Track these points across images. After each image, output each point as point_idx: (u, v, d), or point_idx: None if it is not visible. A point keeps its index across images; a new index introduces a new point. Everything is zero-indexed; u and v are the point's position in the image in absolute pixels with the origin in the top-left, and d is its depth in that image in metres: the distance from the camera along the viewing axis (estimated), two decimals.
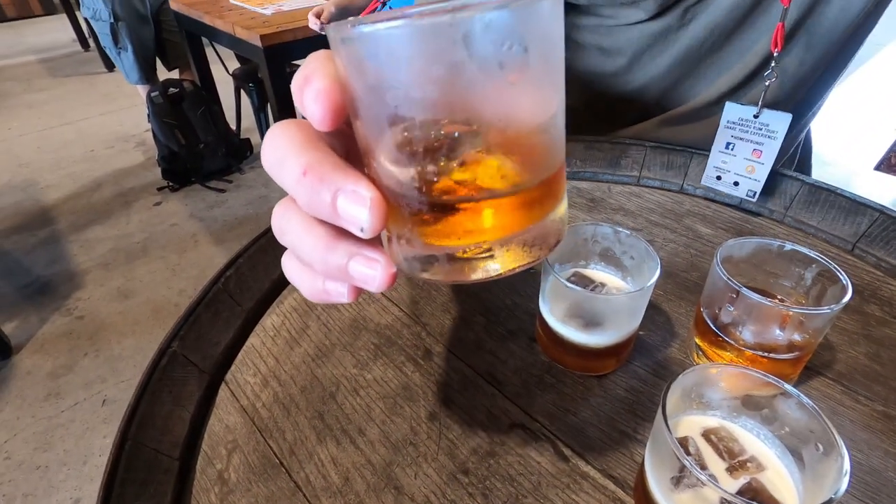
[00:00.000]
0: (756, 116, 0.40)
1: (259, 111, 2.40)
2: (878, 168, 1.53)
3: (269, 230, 0.39)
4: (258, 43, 1.66)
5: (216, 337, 0.33)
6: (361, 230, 0.16)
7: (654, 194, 0.49)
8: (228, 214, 2.17)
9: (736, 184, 0.43)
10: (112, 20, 2.17)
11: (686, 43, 0.42)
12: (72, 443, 1.29)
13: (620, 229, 0.32)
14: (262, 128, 2.47)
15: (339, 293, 0.19)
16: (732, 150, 0.42)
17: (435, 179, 0.16)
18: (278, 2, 2.04)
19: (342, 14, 1.70)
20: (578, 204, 0.48)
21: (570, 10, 0.44)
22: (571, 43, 0.48)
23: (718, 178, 0.44)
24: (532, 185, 0.17)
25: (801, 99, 0.45)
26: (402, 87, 0.15)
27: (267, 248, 0.38)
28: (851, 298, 0.27)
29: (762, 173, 0.42)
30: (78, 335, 1.60)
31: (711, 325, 0.30)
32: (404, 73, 0.15)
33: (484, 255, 0.17)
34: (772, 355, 0.28)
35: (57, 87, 3.62)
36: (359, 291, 0.19)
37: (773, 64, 0.38)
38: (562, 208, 0.18)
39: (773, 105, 0.40)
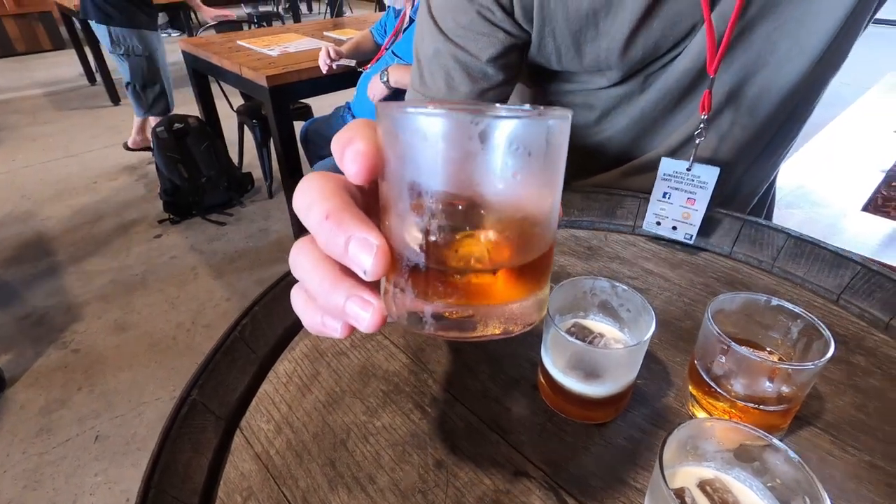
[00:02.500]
0: (689, 170, 0.43)
1: (262, 146, 2.45)
2: (865, 209, 1.57)
3: (281, 279, 0.40)
4: (264, 83, 1.71)
5: (233, 383, 0.34)
6: (364, 272, 0.18)
7: (649, 243, 0.51)
8: (228, 247, 2.19)
9: (674, 228, 0.47)
10: (149, 53, 2.32)
11: (644, 105, 0.47)
12: (62, 481, 1.26)
13: (618, 283, 0.34)
14: (264, 162, 2.52)
15: (334, 328, 0.21)
16: (669, 199, 0.46)
17: (434, 245, 0.18)
18: (284, 43, 2.12)
19: (352, 55, 1.77)
20: (577, 252, 0.50)
21: (549, 74, 0.48)
22: (550, 97, 0.52)
23: (658, 223, 0.48)
24: (518, 267, 0.19)
25: (758, 154, 0.49)
26: (425, 162, 0.18)
27: (280, 296, 0.40)
28: (835, 353, 0.29)
29: (697, 218, 0.46)
30: (73, 368, 1.59)
31: (705, 377, 0.32)
32: (429, 151, 0.18)
33: (465, 319, 0.19)
34: (762, 407, 0.30)
35: (62, 119, 3.68)
36: (351, 329, 0.21)
37: (701, 126, 0.42)
38: (543, 292, 0.21)
39: (714, 160, 0.45)
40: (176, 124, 2.29)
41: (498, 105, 0.18)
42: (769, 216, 0.68)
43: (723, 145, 0.47)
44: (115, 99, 3.91)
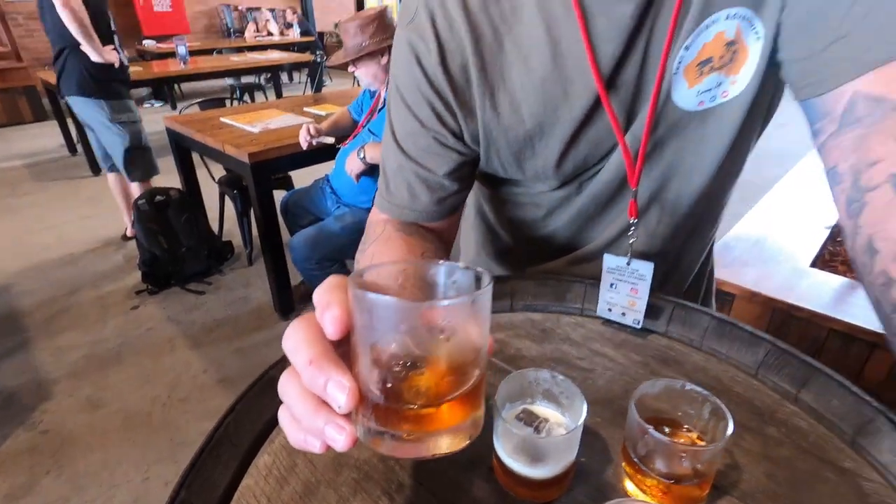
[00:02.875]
0: (628, 264, 0.50)
1: (242, 215, 2.52)
2: (814, 265, 1.68)
3: (261, 377, 0.45)
4: (246, 160, 1.79)
5: (217, 480, 0.38)
6: (339, 407, 0.24)
7: (596, 324, 0.57)
8: (207, 317, 2.19)
9: (623, 314, 0.54)
10: (138, 120, 2.54)
11: (581, 205, 0.54)
12: None
13: (556, 374, 0.39)
14: (245, 231, 2.57)
15: (314, 445, 0.26)
16: (615, 288, 0.52)
17: (390, 389, 0.25)
18: (266, 119, 2.23)
19: (331, 132, 1.87)
20: (532, 335, 0.56)
21: (500, 179, 0.56)
22: (503, 196, 0.59)
23: (609, 310, 0.54)
24: (457, 399, 0.25)
25: (684, 241, 0.57)
26: (379, 330, 0.24)
27: (261, 393, 0.44)
28: (732, 433, 0.34)
29: (641, 306, 0.52)
30: (41, 451, 1.54)
31: (633, 456, 0.37)
32: (381, 326, 0.24)
33: (418, 442, 0.25)
34: (682, 482, 0.35)
35: (41, 191, 3.71)
36: (328, 447, 0.26)
37: (632, 229, 0.50)
38: (479, 412, 0.27)
39: (649, 252, 0.53)
40: (157, 197, 2.35)
41: (441, 265, 0.25)
42: (709, 289, 0.75)
43: (653, 240, 0.55)
44: (96, 169, 3.97)
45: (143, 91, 6.52)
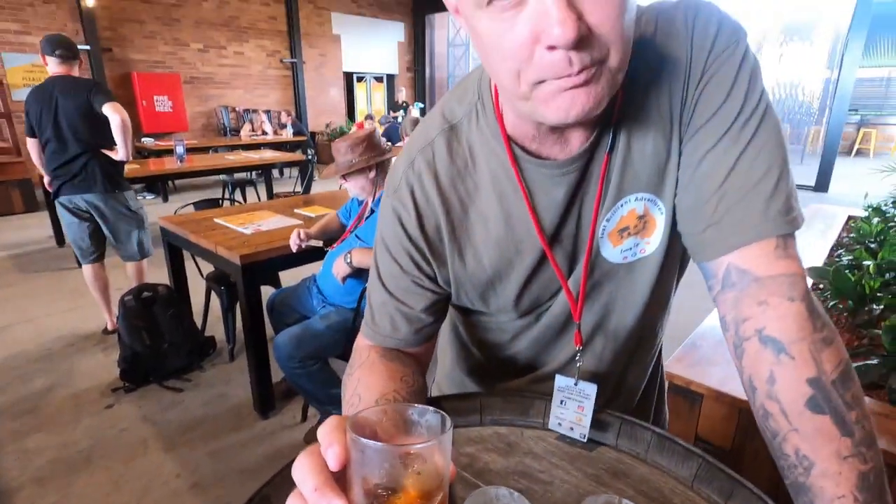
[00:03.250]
0: (576, 384, 0.59)
1: (227, 311, 2.56)
2: None
3: (256, 494, 0.50)
4: (237, 262, 1.89)
5: None
6: None
7: (555, 440, 0.64)
8: (184, 416, 2.15)
9: (571, 429, 0.61)
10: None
11: (538, 332, 0.64)
12: None
13: (513, 492, 0.46)
14: (229, 326, 2.60)
15: None
16: (565, 405, 0.60)
17: None
18: (257, 221, 2.37)
19: (320, 236, 2.00)
20: (498, 448, 0.63)
21: (470, 310, 0.66)
22: (474, 323, 0.69)
23: (559, 424, 0.62)
24: None
25: (627, 364, 0.66)
26: (368, 465, 0.32)
27: None
28: None
29: (586, 422, 0.60)
30: None
31: None
32: (370, 460, 0.32)
33: None
34: None
35: (24, 282, 3.71)
36: None
37: (578, 355, 0.59)
38: None
39: (596, 373, 0.62)
40: (145, 293, 2.40)
41: (411, 410, 0.33)
42: (661, 400, 0.84)
43: (600, 363, 0.64)
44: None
45: (137, 184, 6.75)
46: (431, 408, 0.36)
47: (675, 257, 0.58)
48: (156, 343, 2.36)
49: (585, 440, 0.61)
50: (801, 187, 7.42)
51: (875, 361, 1.36)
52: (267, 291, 2.25)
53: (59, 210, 2.73)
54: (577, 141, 0.51)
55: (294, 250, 1.92)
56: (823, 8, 8.81)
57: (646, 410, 0.80)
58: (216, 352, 2.66)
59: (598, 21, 0.37)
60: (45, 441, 1.99)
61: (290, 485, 0.37)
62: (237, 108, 9.26)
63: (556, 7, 0.35)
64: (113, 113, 2.49)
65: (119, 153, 2.62)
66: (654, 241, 0.54)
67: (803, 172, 7.98)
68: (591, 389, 0.59)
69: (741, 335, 0.45)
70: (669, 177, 0.51)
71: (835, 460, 0.39)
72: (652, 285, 0.57)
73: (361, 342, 0.65)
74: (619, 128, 0.50)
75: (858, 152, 10.87)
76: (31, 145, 2.68)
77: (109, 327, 2.89)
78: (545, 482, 0.57)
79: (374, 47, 11.33)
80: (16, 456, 1.90)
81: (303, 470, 0.33)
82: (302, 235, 1.91)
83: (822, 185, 7.20)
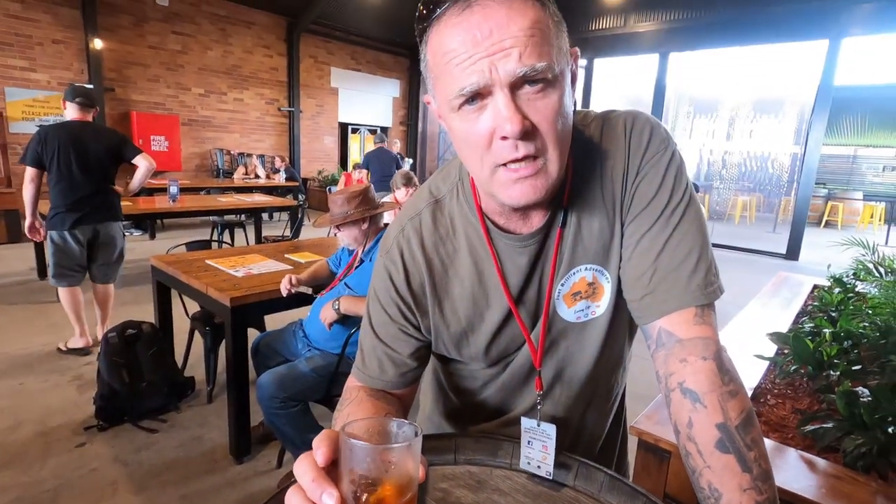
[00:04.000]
0: (538, 426, 0.67)
1: (210, 352, 2.57)
2: None
3: None
4: (227, 303, 1.95)
5: None
6: None
7: (521, 477, 0.71)
8: (156, 458, 2.13)
9: (539, 467, 0.68)
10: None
11: (505, 379, 0.73)
12: None
13: None
14: (210, 367, 2.60)
15: None
16: (531, 445, 0.68)
17: (359, 497, 0.41)
18: (248, 265, 2.44)
19: (310, 281, 2.08)
20: (469, 485, 0.69)
21: (448, 359, 0.75)
22: (451, 370, 0.77)
23: (528, 463, 0.69)
24: None
25: (583, 412, 0.74)
26: (354, 461, 0.41)
27: None
28: None
29: (550, 460, 0.67)
30: None
31: None
32: (356, 457, 0.40)
33: None
34: None
35: (2, 314, 3.67)
36: None
37: (538, 399, 0.68)
38: None
39: (556, 417, 0.70)
40: (129, 330, 2.42)
41: (393, 423, 0.42)
42: (623, 451, 0.91)
43: (560, 408, 0.72)
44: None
45: (125, 221, 6.77)
46: (407, 421, 0.45)
47: (622, 319, 0.68)
48: (135, 382, 2.36)
49: (551, 477, 0.68)
50: (772, 255, 7.75)
51: (830, 425, 1.45)
52: (252, 334, 2.29)
53: (67, 237, 2.98)
54: (536, 219, 0.62)
55: (284, 294, 1.99)
56: (789, 90, 9.53)
57: (607, 461, 0.88)
58: (194, 393, 2.64)
59: (537, 121, 0.51)
60: (9, 479, 1.94)
61: None
62: (232, 151, 9.46)
63: (506, 109, 0.49)
64: (146, 162, 3.07)
65: (131, 187, 3.21)
66: (602, 305, 0.65)
67: (776, 240, 8.36)
68: (551, 430, 0.67)
69: (668, 387, 0.55)
70: (614, 252, 0.62)
71: (737, 492, 0.47)
72: (602, 342, 0.66)
73: (351, 383, 0.73)
74: (569, 209, 0.62)
75: (827, 224, 11.42)
76: (33, 175, 2.91)
77: (82, 344, 3.13)
78: None
79: (370, 101, 11.81)
80: None
81: (302, 467, 0.41)
82: (293, 281, 1.98)
83: (792, 252, 7.53)
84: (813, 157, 7.23)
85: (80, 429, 2.29)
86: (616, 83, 10.24)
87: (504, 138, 0.50)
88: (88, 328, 3.17)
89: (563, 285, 0.64)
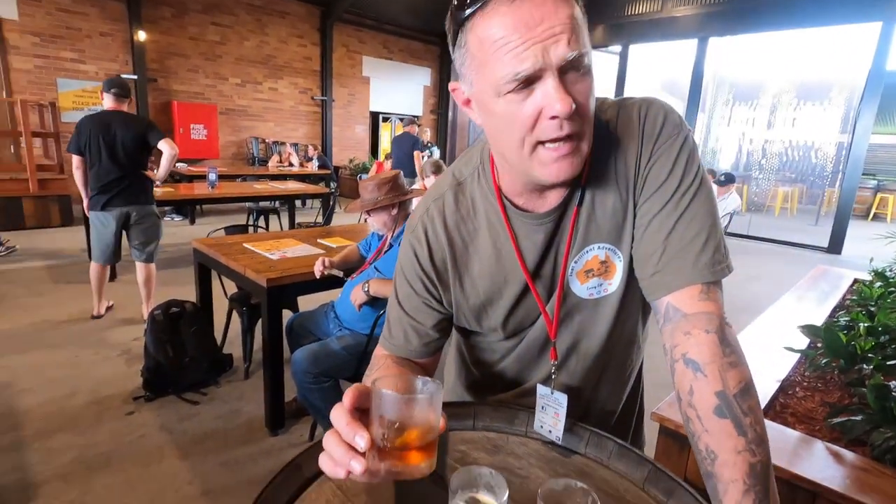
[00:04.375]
0: (552, 393, 0.71)
1: (247, 331, 2.71)
2: (763, 414, 1.85)
3: (290, 464, 0.63)
4: (264, 284, 2.05)
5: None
6: (360, 447, 0.45)
7: (535, 444, 0.76)
8: (198, 428, 2.27)
9: (550, 431, 0.73)
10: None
11: (521, 351, 0.77)
12: None
13: (493, 471, 0.59)
14: (247, 346, 2.74)
15: (342, 473, 0.46)
16: (545, 410, 0.73)
17: (388, 440, 0.47)
18: (283, 248, 2.54)
19: (342, 265, 2.17)
20: (486, 448, 0.75)
21: (468, 331, 0.80)
22: (471, 343, 0.83)
23: (541, 427, 0.74)
24: (423, 447, 0.47)
25: (596, 384, 0.78)
26: (383, 408, 0.47)
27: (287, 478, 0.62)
28: None
29: (561, 426, 0.72)
30: None
31: None
32: (385, 405, 0.47)
33: (400, 471, 0.46)
34: None
35: (56, 292, 3.92)
36: (349, 473, 0.46)
37: (553, 369, 0.72)
38: (433, 459, 0.49)
39: (570, 387, 0.75)
40: (173, 308, 2.57)
41: (418, 380, 0.47)
42: (639, 426, 0.95)
43: (575, 379, 0.77)
44: (112, 275, 4.22)
45: (166, 206, 7.07)
46: (430, 378, 0.50)
47: (634, 298, 0.71)
48: (178, 357, 2.51)
49: (560, 442, 0.73)
50: (814, 248, 7.47)
51: (859, 418, 1.44)
52: (285, 315, 2.40)
53: (101, 218, 3.26)
54: (553, 198, 0.66)
55: (317, 276, 2.08)
56: (837, 75, 9.08)
57: (622, 435, 0.91)
58: (232, 369, 2.79)
59: (580, 103, 0.55)
60: (69, 440, 2.12)
61: (316, 459, 0.51)
62: (267, 140, 9.71)
63: (558, 91, 0.53)
64: (168, 147, 3.20)
65: (158, 175, 3.36)
66: (615, 283, 0.69)
67: (818, 234, 8.04)
68: (563, 399, 0.72)
69: (673, 358, 0.59)
70: (626, 232, 0.66)
71: (732, 454, 0.51)
72: (614, 319, 0.70)
73: (379, 352, 0.79)
74: (586, 189, 0.66)
75: (875, 216, 10.89)
76: (78, 162, 3.20)
77: (95, 313, 3.46)
78: (523, 476, 0.69)
79: (401, 90, 11.87)
80: (42, 453, 2.03)
81: (337, 414, 0.48)
82: (326, 263, 2.07)
83: (835, 246, 7.23)
84: (861, 146, 6.91)
85: (130, 398, 2.45)
86: (651, 69, 9.96)
87: (553, 118, 0.54)
88: (142, 307, 3.45)
89: (576, 262, 0.68)
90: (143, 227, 3.35)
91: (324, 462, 0.48)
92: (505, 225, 0.68)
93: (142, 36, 7.82)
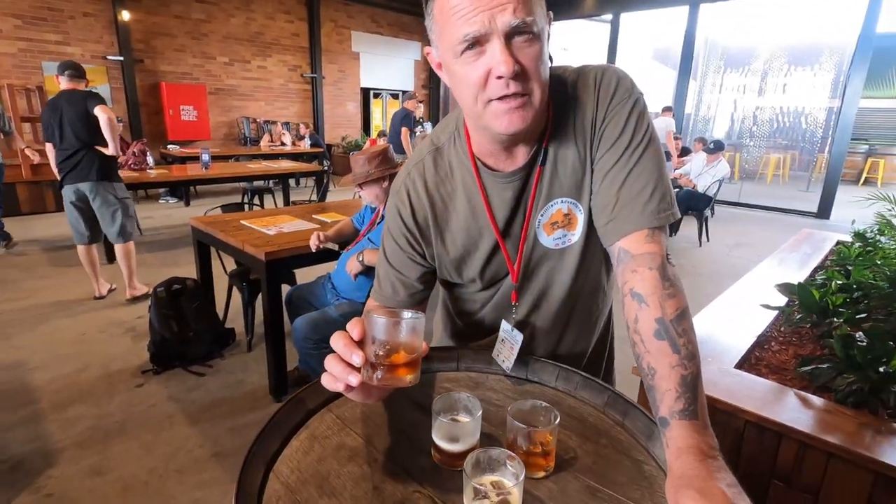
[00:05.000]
0: (511, 330, 0.81)
1: (247, 305, 2.80)
2: (739, 367, 1.96)
3: (293, 398, 0.73)
4: (262, 258, 2.13)
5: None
6: (355, 363, 0.55)
7: (511, 381, 0.86)
8: (205, 397, 2.38)
9: (503, 361, 0.83)
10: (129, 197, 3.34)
11: (498, 299, 0.86)
12: None
13: (469, 395, 0.68)
14: (248, 319, 2.84)
15: (340, 386, 0.56)
16: (504, 343, 0.82)
17: (378, 356, 0.56)
18: (279, 224, 2.61)
19: (336, 238, 2.25)
20: (469, 385, 0.85)
21: (451, 284, 0.89)
22: (455, 295, 0.91)
23: (498, 355, 0.84)
24: (410, 362, 0.57)
25: (563, 330, 0.87)
26: (375, 329, 0.57)
27: (289, 411, 0.72)
28: (558, 423, 0.63)
29: (513, 358, 0.82)
30: None
31: (510, 440, 0.65)
32: (376, 327, 0.57)
33: (390, 381, 0.56)
34: (536, 453, 0.63)
35: (57, 275, 4.00)
36: (348, 388, 0.56)
37: (514, 309, 0.81)
38: (418, 372, 0.58)
39: (544, 330, 0.85)
40: (175, 285, 2.65)
41: (405, 312, 0.56)
42: (608, 375, 1.05)
43: (543, 322, 0.86)
44: (111, 258, 4.29)
45: (161, 188, 7.08)
46: (415, 311, 0.59)
47: (595, 246, 0.80)
48: (182, 331, 2.60)
49: (509, 371, 0.83)
50: (803, 213, 7.57)
51: (826, 366, 1.55)
52: (284, 290, 2.48)
53: (64, 197, 3.34)
54: (520, 157, 0.74)
55: (313, 250, 2.16)
56: (827, 40, 9.04)
57: (593, 375, 1.01)
58: (235, 343, 2.89)
59: (525, 64, 0.62)
60: (83, 411, 2.23)
61: (318, 394, 0.60)
62: (258, 119, 9.64)
63: (502, 53, 0.60)
64: (101, 113, 3.14)
65: (109, 149, 3.25)
66: (577, 233, 0.77)
67: (808, 199, 8.13)
68: (519, 337, 0.81)
69: (623, 293, 0.68)
70: (585, 187, 0.74)
71: (668, 369, 0.60)
72: (577, 265, 0.79)
73: (370, 303, 0.88)
74: (548, 149, 0.74)
75: (866, 181, 10.97)
76: (49, 149, 3.31)
77: (97, 294, 3.54)
78: (499, 405, 0.79)
79: (391, 65, 11.74)
80: (58, 423, 2.14)
81: (336, 338, 0.57)
82: (321, 237, 2.15)
83: (823, 211, 7.34)
84: (850, 111, 6.94)
85: (138, 372, 2.56)
86: (643, 38, 9.88)
87: (499, 77, 0.61)
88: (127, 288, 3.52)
89: (542, 215, 0.76)
90: (98, 204, 3.35)
91: (325, 379, 0.57)
92: (477, 183, 0.77)
93: (125, 16, 7.69)
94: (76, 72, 3.26)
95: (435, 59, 0.70)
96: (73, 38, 7.40)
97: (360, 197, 2.19)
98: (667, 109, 7.94)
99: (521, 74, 0.62)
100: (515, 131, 0.66)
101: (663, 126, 7.52)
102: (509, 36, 0.61)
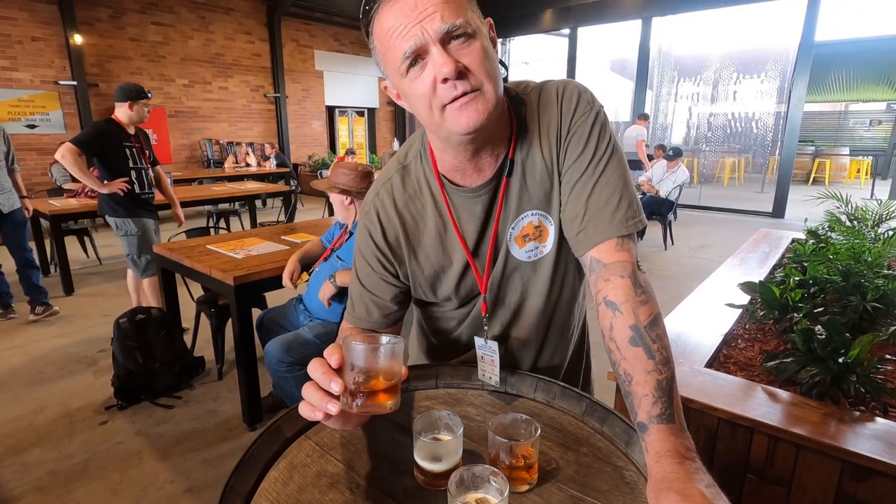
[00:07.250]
0: (486, 342, 0.82)
1: (217, 332, 2.72)
2: (709, 365, 2.02)
3: (269, 426, 0.71)
4: (231, 283, 2.08)
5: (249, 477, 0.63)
6: (334, 391, 0.54)
7: (490, 396, 0.86)
8: (175, 430, 2.29)
9: (490, 378, 0.84)
10: (141, 233, 3.08)
11: (473, 316, 0.86)
12: None
13: (450, 412, 0.68)
14: (218, 346, 2.75)
15: (318, 415, 0.55)
16: (484, 360, 0.83)
17: (358, 384, 0.56)
18: (248, 247, 2.56)
19: (303, 263, 2.22)
20: (448, 402, 0.84)
21: (426, 303, 0.89)
22: (430, 314, 0.91)
23: (483, 374, 0.84)
24: (388, 389, 0.56)
25: (541, 344, 0.88)
26: (353, 357, 0.56)
27: (269, 438, 0.70)
28: (539, 435, 0.63)
29: (497, 371, 0.82)
30: None
31: (493, 455, 0.64)
32: (354, 354, 0.56)
33: (369, 409, 0.55)
34: (519, 466, 0.63)
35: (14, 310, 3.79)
36: (326, 416, 0.55)
37: (485, 320, 0.83)
38: (397, 399, 0.57)
39: (523, 342, 0.86)
40: (139, 315, 2.55)
41: (383, 336, 0.56)
42: (587, 381, 1.06)
43: (521, 334, 0.86)
44: (69, 289, 4.11)
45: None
46: (393, 335, 0.59)
47: (567, 256, 0.81)
48: (148, 362, 2.50)
49: (499, 386, 0.83)
50: (759, 214, 7.91)
51: (790, 360, 1.61)
52: (255, 314, 2.42)
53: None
54: (488, 170, 0.75)
55: (285, 286, 2.13)
56: (772, 48, 9.56)
57: (575, 386, 1.02)
58: (205, 372, 2.79)
59: (467, 63, 0.63)
60: (42, 455, 2.10)
61: (295, 422, 0.59)
62: (221, 141, 9.47)
63: (441, 57, 0.61)
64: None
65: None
66: (549, 245, 0.78)
67: (763, 200, 8.50)
68: (494, 346, 0.82)
69: (597, 302, 0.69)
70: (554, 199, 0.76)
71: (643, 374, 0.62)
72: (551, 276, 0.80)
73: (344, 326, 0.87)
74: (514, 159, 0.75)
75: (815, 181, 11.55)
76: None
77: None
78: (480, 421, 0.79)
79: (355, 82, 11.75)
80: (15, 468, 2.02)
81: (314, 366, 0.56)
82: (294, 278, 2.13)
83: (778, 210, 7.68)
84: (796, 115, 7.32)
85: (102, 408, 2.44)
86: (600, 50, 10.21)
87: (444, 81, 0.62)
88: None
89: (513, 228, 0.77)
90: (122, 240, 3.24)
91: (303, 408, 0.56)
92: (443, 201, 0.77)
93: (78, 39, 7.47)
94: None
95: (392, 90, 0.71)
96: (21, 64, 7.14)
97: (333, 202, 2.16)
98: (642, 117, 8.03)
99: (465, 73, 0.63)
100: (476, 126, 0.65)
101: (634, 134, 7.70)
102: (445, 41, 0.62)
